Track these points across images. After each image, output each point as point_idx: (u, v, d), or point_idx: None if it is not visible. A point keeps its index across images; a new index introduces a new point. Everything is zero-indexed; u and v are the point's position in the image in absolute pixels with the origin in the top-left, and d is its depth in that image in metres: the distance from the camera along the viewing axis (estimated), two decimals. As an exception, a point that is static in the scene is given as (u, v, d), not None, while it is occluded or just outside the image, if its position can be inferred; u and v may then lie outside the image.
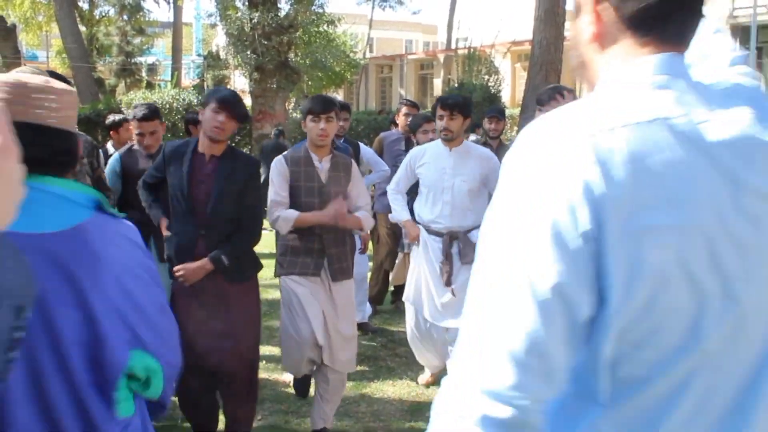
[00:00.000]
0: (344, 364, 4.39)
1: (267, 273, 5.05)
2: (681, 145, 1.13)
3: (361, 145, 6.61)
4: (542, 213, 1.10)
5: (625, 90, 1.20)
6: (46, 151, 1.69)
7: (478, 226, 4.77)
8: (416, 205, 5.07)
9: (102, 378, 1.66)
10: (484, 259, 1.16)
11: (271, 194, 4.28)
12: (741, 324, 1.17)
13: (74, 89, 1.76)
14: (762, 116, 1.21)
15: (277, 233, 4.90)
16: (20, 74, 1.74)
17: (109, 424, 1.69)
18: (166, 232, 4.08)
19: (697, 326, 1.14)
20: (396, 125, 7.37)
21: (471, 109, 4.98)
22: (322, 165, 4.32)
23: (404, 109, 7.09)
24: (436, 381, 5.30)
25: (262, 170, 4.79)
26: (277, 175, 4.30)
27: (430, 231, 4.94)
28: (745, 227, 1.15)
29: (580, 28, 1.30)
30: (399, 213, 5.17)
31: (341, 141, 6.19)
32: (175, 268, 3.83)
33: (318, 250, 4.27)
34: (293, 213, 4.19)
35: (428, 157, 4.98)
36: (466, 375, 1.12)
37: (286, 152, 4.51)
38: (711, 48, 1.56)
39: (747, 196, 1.16)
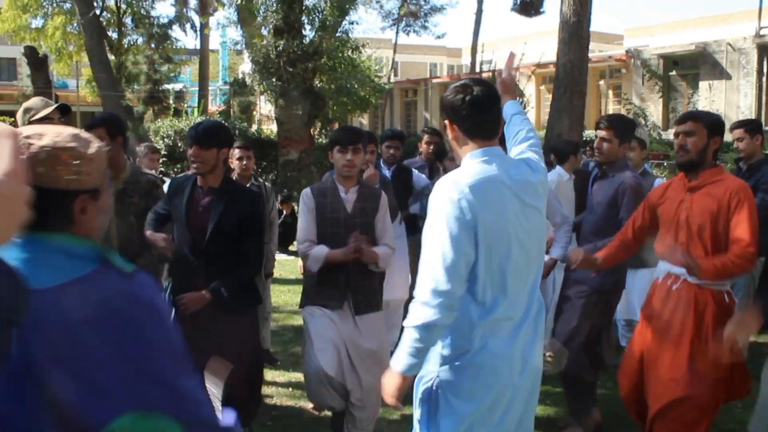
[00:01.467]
0: (370, 399, 4.28)
1: (293, 299, 5.08)
2: (499, 186, 2.75)
3: (414, 171, 6.61)
4: (454, 214, 2.64)
5: (472, 164, 2.79)
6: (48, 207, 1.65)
7: None
8: None
9: None
10: (432, 237, 2.69)
11: (300, 229, 4.34)
12: (527, 259, 2.79)
13: (103, 149, 1.78)
14: (532, 168, 2.91)
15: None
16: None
17: None
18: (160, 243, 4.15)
19: (509, 256, 2.73)
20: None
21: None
22: (348, 196, 4.34)
23: (426, 137, 7.12)
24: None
25: None
26: (304, 209, 4.36)
27: None
28: (527, 221, 2.80)
29: (449, 134, 2.92)
30: None
31: (391, 168, 6.29)
32: (178, 297, 3.98)
33: (343, 282, 4.26)
34: (322, 252, 4.21)
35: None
36: (427, 287, 2.64)
37: (314, 184, 4.58)
38: (514, 133, 3.22)
39: (526, 208, 2.80)
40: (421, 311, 2.63)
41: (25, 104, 4.33)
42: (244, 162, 5.92)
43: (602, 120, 4.75)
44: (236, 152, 5.95)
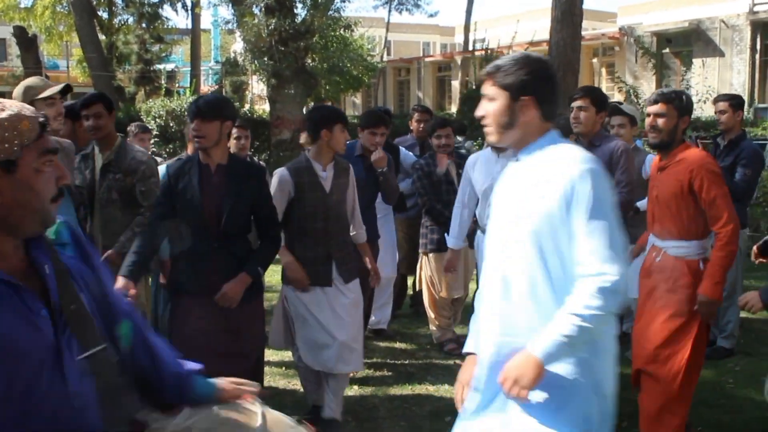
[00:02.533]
0: (352, 356, 4.47)
1: (275, 279, 5.11)
2: None
3: (402, 149, 6.70)
4: (611, 197, 2.44)
5: (570, 147, 2.57)
6: None
7: None
8: (477, 209, 5.31)
9: None
10: (593, 220, 2.31)
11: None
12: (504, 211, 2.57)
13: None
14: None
15: None
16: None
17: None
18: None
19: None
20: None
21: None
22: (326, 173, 4.42)
23: (416, 116, 7.11)
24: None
25: None
26: (278, 191, 4.35)
27: (484, 232, 5.06)
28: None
29: (522, 115, 2.50)
30: (451, 237, 5.52)
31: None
32: (217, 296, 3.81)
33: (324, 256, 4.36)
34: (286, 259, 4.39)
35: (480, 164, 5.21)
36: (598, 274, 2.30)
37: (288, 164, 4.58)
38: None
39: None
40: (593, 300, 2.27)
41: (25, 82, 4.29)
42: (242, 141, 5.93)
43: (577, 91, 4.93)
44: (234, 131, 5.94)
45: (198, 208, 3.83)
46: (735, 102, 5.99)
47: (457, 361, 5.36)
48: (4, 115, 1.61)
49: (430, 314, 6.17)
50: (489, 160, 5.20)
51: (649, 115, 3.95)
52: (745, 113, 19.39)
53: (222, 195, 3.84)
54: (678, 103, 3.95)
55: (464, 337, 5.58)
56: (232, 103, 4.10)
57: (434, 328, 6.20)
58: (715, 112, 5.96)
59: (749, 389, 5.24)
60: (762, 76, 22.38)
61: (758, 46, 22.31)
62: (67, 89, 4.28)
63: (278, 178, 4.39)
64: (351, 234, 4.69)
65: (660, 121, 3.91)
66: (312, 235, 4.37)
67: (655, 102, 3.96)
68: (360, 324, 4.69)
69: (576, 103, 4.78)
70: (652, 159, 5.82)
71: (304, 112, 16.44)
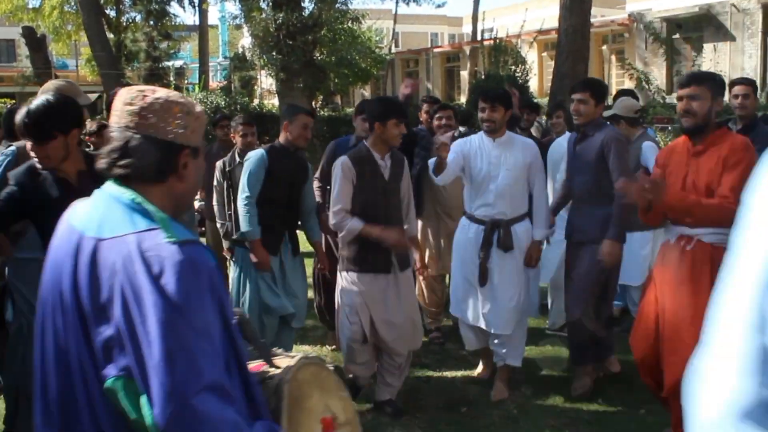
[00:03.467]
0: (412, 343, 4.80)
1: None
2: None
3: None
4: None
5: None
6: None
7: (518, 216, 4.98)
8: (464, 196, 5.20)
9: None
10: None
11: (336, 198, 4.51)
12: None
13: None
14: None
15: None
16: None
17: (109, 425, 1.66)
18: None
19: None
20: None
21: (512, 101, 5.17)
22: (385, 162, 4.63)
23: (425, 107, 7.07)
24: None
25: None
26: (341, 177, 4.51)
27: (473, 219, 5.05)
28: None
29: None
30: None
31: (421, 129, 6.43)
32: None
33: (384, 246, 4.54)
34: (357, 226, 4.49)
35: (474, 148, 5.07)
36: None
37: (349, 152, 4.69)
38: None
39: None
40: None
41: (45, 87, 4.18)
42: (248, 138, 6.04)
43: (577, 84, 4.99)
44: (240, 128, 6.09)
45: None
46: (754, 86, 5.88)
47: (467, 350, 5.35)
48: (199, 108, 1.86)
49: (422, 302, 6.13)
50: (484, 145, 5.02)
51: (680, 98, 3.85)
52: (760, 98, 19.25)
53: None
54: (711, 84, 3.86)
55: (447, 327, 5.64)
56: (71, 102, 3.38)
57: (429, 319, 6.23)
58: (732, 96, 5.78)
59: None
60: (774, 60, 22.20)
61: (770, 30, 22.11)
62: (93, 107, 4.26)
63: (341, 166, 4.55)
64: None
65: (694, 104, 3.83)
66: (373, 222, 4.51)
67: (687, 84, 3.87)
68: (416, 307, 4.99)
69: (576, 96, 4.84)
70: (651, 146, 5.79)
71: (314, 105, 16.44)
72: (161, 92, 1.80)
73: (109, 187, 1.77)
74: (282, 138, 5.13)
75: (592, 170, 4.80)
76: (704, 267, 3.82)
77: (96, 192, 1.81)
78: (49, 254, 1.80)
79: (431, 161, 4.99)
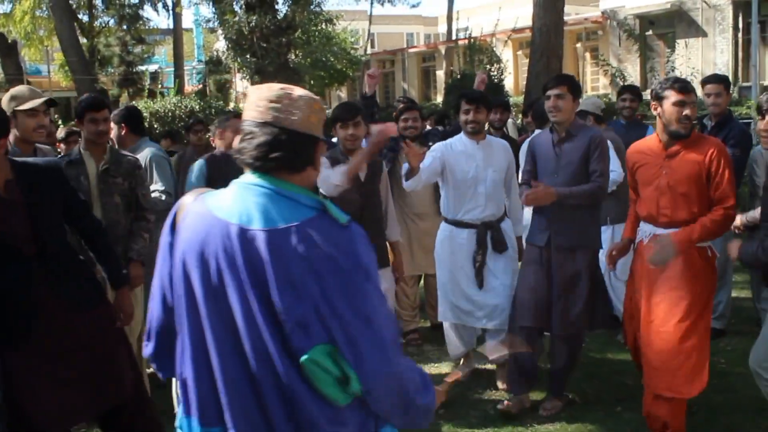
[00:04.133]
0: None
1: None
2: None
3: None
4: None
5: None
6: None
7: (502, 216, 5.05)
8: (443, 202, 5.13)
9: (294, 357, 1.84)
10: None
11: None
12: None
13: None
14: None
15: None
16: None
17: (310, 395, 1.86)
18: None
19: None
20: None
21: (491, 103, 5.20)
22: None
23: (401, 106, 7.04)
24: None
25: None
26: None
27: (460, 224, 5.00)
28: None
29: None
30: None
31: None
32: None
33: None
34: (339, 170, 4.39)
35: (457, 152, 5.00)
36: None
37: (326, 153, 4.63)
38: None
39: None
40: None
41: (12, 91, 4.26)
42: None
43: (551, 80, 4.75)
44: (218, 133, 5.94)
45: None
46: (727, 83, 5.90)
47: (450, 359, 5.34)
48: (324, 105, 2.07)
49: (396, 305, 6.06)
50: (468, 148, 4.99)
51: (708, 95, 3.96)
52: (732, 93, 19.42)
53: (26, 211, 3.30)
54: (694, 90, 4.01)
55: (424, 328, 5.60)
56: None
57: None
58: (705, 95, 5.80)
59: (741, 368, 5.23)
60: (745, 55, 22.37)
61: (740, 25, 22.31)
62: (50, 103, 4.27)
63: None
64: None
65: (693, 111, 3.92)
66: None
67: (691, 90, 3.95)
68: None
69: (554, 92, 4.57)
70: (611, 144, 5.81)
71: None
72: (300, 90, 1.99)
73: (256, 180, 1.91)
74: (219, 144, 5.20)
75: (575, 171, 4.56)
76: (675, 265, 3.92)
77: (239, 185, 1.94)
78: (184, 246, 1.92)
79: (405, 166, 4.91)
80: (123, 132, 5.33)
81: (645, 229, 4.15)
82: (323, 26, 21.30)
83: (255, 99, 1.95)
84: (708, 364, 4.05)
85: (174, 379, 2.17)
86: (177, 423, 2.08)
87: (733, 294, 6.30)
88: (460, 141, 5.06)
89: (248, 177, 1.94)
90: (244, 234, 1.84)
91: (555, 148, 4.65)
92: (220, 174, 5.06)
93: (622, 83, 20.22)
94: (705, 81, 5.95)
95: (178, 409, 2.09)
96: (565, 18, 15.66)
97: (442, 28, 36.86)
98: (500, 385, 5.05)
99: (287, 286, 1.81)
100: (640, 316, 4.12)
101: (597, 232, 4.69)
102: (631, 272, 4.32)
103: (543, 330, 4.77)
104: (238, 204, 1.89)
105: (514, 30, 24.98)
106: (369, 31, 34.08)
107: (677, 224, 3.95)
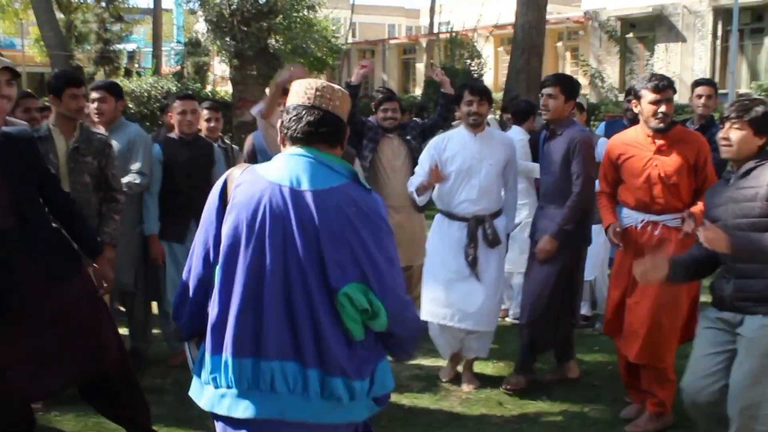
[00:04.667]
0: None
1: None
2: None
3: None
4: None
5: None
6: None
7: (497, 212, 4.99)
8: (436, 193, 5.07)
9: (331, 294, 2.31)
10: None
11: None
12: None
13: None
14: None
15: None
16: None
17: (333, 330, 2.31)
18: None
19: None
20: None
21: (492, 98, 5.18)
22: None
23: (380, 96, 7.00)
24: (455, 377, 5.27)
25: None
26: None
27: (453, 217, 4.97)
28: None
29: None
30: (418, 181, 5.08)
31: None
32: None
33: None
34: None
35: (454, 144, 5.01)
36: None
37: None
38: None
39: None
40: None
41: None
42: (212, 123, 5.93)
43: (548, 78, 4.92)
44: (205, 113, 5.92)
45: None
46: (716, 87, 6.12)
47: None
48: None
49: None
50: (465, 139, 4.98)
51: (700, 96, 4.26)
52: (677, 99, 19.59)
53: (3, 181, 3.29)
54: (673, 89, 4.23)
55: None
56: None
57: None
58: (696, 96, 5.96)
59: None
60: (723, 63, 22.58)
61: (719, 33, 22.49)
62: (14, 73, 3.96)
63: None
64: None
65: (670, 108, 4.16)
66: None
67: (667, 88, 4.16)
68: None
69: (546, 90, 4.77)
70: (606, 142, 5.85)
71: (267, 93, 16.23)
72: (336, 85, 2.47)
73: (302, 151, 2.36)
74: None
75: (558, 170, 4.74)
76: (672, 248, 4.15)
77: (287, 155, 2.37)
78: (240, 207, 2.32)
79: (414, 180, 5.05)
80: (120, 106, 5.20)
81: (636, 217, 4.33)
82: (305, 12, 21.10)
83: (303, 88, 2.41)
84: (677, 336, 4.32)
85: (186, 344, 2.57)
86: (197, 366, 2.45)
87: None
88: (458, 133, 5.09)
89: (294, 149, 2.38)
90: (294, 193, 2.29)
91: (544, 146, 4.88)
92: (176, 156, 5.18)
93: (601, 84, 20.34)
94: (696, 83, 6.14)
95: (198, 354, 2.47)
96: (547, 17, 15.68)
97: (424, 21, 36.79)
98: (465, 387, 5.04)
99: (329, 235, 2.27)
100: (628, 300, 4.31)
101: (585, 230, 4.86)
102: (620, 258, 4.46)
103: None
104: (287, 170, 2.33)
105: (496, 26, 24.99)
106: (351, 20, 33.90)
107: (671, 210, 4.22)
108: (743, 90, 20.67)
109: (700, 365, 3.57)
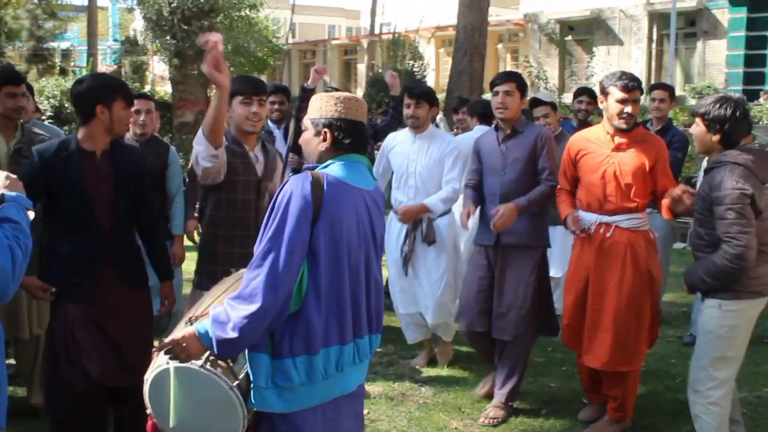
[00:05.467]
0: None
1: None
2: None
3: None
4: None
5: None
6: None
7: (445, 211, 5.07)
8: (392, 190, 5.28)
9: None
10: None
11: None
12: None
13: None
14: None
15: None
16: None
17: (383, 299, 2.80)
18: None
19: None
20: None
21: (436, 98, 5.26)
22: (257, 156, 3.77)
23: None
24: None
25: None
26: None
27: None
28: None
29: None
30: None
31: (281, 125, 6.07)
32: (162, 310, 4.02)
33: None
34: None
35: (397, 144, 5.21)
36: None
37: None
38: None
39: None
40: None
41: None
42: (142, 117, 5.22)
43: (499, 76, 4.72)
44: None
45: (87, 201, 3.52)
46: (671, 91, 6.29)
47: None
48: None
49: None
50: (407, 140, 5.19)
51: (625, 101, 4.10)
52: (644, 102, 20.02)
53: (111, 185, 3.60)
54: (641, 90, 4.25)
55: None
56: None
57: None
58: (651, 99, 6.16)
59: (660, 371, 5.33)
60: (658, 65, 23.14)
61: (654, 36, 23.04)
62: None
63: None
64: None
65: (636, 108, 4.13)
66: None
67: (634, 89, 4.13)
68: None
69: (502, 88, 4.57)
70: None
71: (208, 93, 15.98)
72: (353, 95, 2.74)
73: (358, 158, 2.63)
74: None
75: (523, 169, 4.55)
76: (625, 250, 4.17)
77: (350, 160, 2.60)
78: (334, 211, 2.50)
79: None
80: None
81: (590, 218, 4.27)
82: (247, 12, 20.84)
83: (320, 103, 2.63)
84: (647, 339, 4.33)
85: (244, 357, 2.54)
86: (267, 377, 2.48)
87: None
88: (402, 133, 5.28)
89: (349, 156, 2.61)
90: (368, 194, 2.64)
91: (501, 146, 4.63)
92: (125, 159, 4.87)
93: (544, 85, 20.58)
94: (652, 87, 6.32)
95: (264, 364, 2.49)
96: (489, 18, 15.79)
97: (365, 22, 36.76)
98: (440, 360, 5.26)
99: (382, 230, 2.77)
100: (587, 302, 4.27)
101: (545, 232, 4.72)
102: (575, 261, 4.40)
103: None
104: (355, 174, 2.60)
105: (438, 27, 25.10)
106: (291, 20, 33.66)
107: (622, 211, 4.18)
108: (678, 93, 21.15)
109: None
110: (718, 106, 3.58)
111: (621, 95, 4.09)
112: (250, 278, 2.42)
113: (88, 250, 3.54)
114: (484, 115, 6.30)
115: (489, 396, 4.76)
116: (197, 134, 3.44)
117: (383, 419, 4.53)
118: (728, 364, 3.66)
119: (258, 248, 2.45)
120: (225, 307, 2.42)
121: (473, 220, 4.84)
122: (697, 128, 3.67)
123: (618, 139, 4.20)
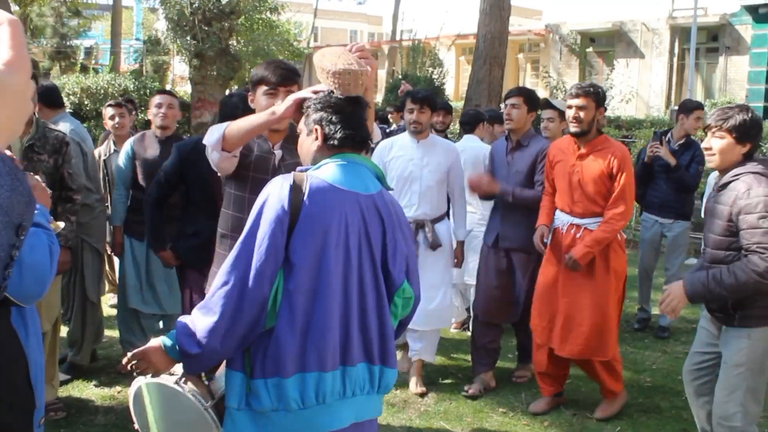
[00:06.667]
0: None
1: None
2: None
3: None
4: None
5: None
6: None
7: (439, 216, 5.11)
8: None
9: (389, 289, 2.43)
10: None
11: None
12: None
13: None
14: None
15: None
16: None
17: (390, 324, 2.44)
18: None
19: None
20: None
21: (438, 104, 5.39)
22: (278, 152, 3.37)
23: None
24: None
25: None
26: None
27: None
28: None
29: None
30: None
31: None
32: None
33: None
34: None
35: (397, 149, 5.15)
36: None
37: None
38: None
39: None
40: None
41: None
42: (116, 120, 5.92)
43: (512, 90, 5.20)
44: (109, 111, 5.97)
45: (211, 190, 4.14)
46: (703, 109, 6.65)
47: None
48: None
49: None
50: (408, 145, 5.15)
51: (570, 107, 4.39)
52: (663, 115, 19.93)
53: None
54: (596, 96, 4.45)
55: None
56: None
57: None
58: (694, 119, 6.47)
59: (666, 387, 5.28)
60: (679, 79, 22.98)
61: (676, 50, 22.88)
62: None
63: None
64: None
65: (582, 113, 4.40)
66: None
67: (577, 96, 4.43)
68: None
69: (510, 101, 5.03)
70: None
71: (227, 94, 16.06)
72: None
73: (353, 156, 2.40)
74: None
75: (524, 181, 4.98)
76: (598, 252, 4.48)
77: (347, 160, 2.38)
78: (326, 213, 2.26)
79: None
80: (36, 108, 5.02)
81: (562, 219, 4.62)
82: (268, 14, 20.93)
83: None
84: (617, 330, 4.67)
85: (220, 378, 2.41)
86: (242, 398, 2.25)
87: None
88: (402, 138, 5.24)
89: (346, 155, 2.39)
90: (364, 198, 2.36)
91: (507, 156, 5.05)
92: (146, 153, 5.18)
93: (562, 96, 20.51)
94: (695, 107, 6.60)
95: (239, 383, 2.26)
96: (509, 28, 15.77)
97: (387, 28, 36.83)
98: (413, 389, 5.06)
99: (395, 234, 2.45)
100: (557, 297, 4.59)
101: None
102: (546, 257, 4.72)
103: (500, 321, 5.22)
104: (351, 176, 2.36)
105: (458, 35, 25.09)
106: (313, 24, 33.77)
107: (590, 215, 4.49)
108: (698, 107, 21.02)
109: (692, 359, 3.79)
110: (742, 116, 3.36)
111: (568, 101, 4.48)
112: (217, 286, 2.21)
113: (207, 230, 3.87)
114: (464, 123, 6.40)
115: (476, 395, 4.97)
116: (214, 126, 3.11)
117: (384, 427, 4.52)
118: (760, 394, 3.46)
119: (230, 253, 2.26)
120: (192, 317, 2.24)
121: (473, 219, 5.72)
122: (724, 142, 3.38)
123: (581, 149, 4.52)
